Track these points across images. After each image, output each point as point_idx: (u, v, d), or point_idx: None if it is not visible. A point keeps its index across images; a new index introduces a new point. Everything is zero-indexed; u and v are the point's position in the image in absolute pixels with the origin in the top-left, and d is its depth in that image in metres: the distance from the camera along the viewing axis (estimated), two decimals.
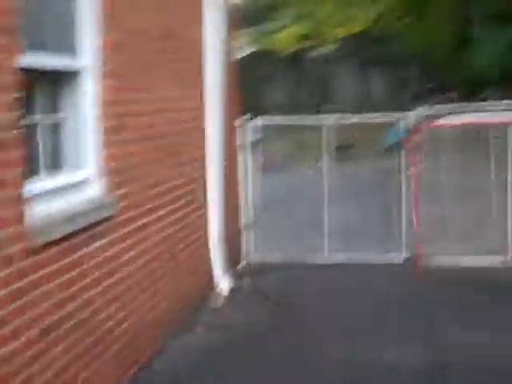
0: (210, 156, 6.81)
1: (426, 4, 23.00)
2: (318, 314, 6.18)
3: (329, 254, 7.96)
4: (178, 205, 6.02)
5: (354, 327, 5.78)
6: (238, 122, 7.88)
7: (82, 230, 4.07)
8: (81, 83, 4.41)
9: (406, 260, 7.66)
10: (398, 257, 7.75)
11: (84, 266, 4.10)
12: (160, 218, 5.59)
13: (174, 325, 5.75)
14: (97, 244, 4.30)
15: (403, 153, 7.72)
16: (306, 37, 24.05)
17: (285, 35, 23.83)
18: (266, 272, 7.61)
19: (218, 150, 6.88)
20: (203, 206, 6.74)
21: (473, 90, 17.78)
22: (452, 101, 17.62)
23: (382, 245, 7.88)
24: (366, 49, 29.64)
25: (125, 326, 4.72)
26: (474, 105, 7.99)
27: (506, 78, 15.37)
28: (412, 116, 7.72)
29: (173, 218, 5.90)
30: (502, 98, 7.91)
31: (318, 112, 8.44)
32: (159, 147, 5.63)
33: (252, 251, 8.13)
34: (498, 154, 7.77)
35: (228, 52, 7.52)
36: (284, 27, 26.99)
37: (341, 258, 7.83)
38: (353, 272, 7.45)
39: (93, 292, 4.22)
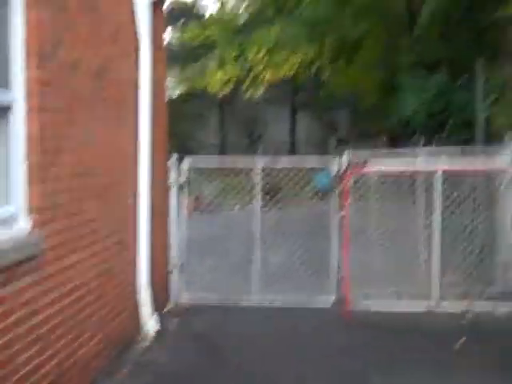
0: (140, 195, 6.76)
1: (354, 50, 23.57)
2: (242, 355, 6.13)
3: (258, 296, 7.95)
4: (106, 244, 5.92)
5: (275, 371, 5.78)
6: (167, 162, 7.85)
7: (5, 268, 3.92)
8: (9, 118, 4.31)
9: (335, 303, 7.70)
10: (327, 300, 7.78)
11: (5, 306, 3.95)
12: (88, 258, 5.48)
13: (101, 365, 5.63)
14: (20, 283, 4.15)
15: (333, 196, 7.82)
16: (236, 79, 24.28)
17: (216, 77, 24.00)
18: (194, 313, 7.55)
19: (147, 190, 6.84)
20: (133, 245, 6.65)
21: (400, 136, 18.24)
22: (380, 146, 18.07)
23: (311, 287, 7.93)
24: (295, 93, 30.21)
25: (48, 367, 4.55)
26: (400, 150, 8.19)
27: (431, 125, 15.85)
28: (340, 161, 7.86)
29: (101, 257, 5.78)
30: (428, 144, 8.12)
31: (248, 154, 8.42)
32: (89, 185, 5.54)
33: (181, 292, 8.05)
34: (425, 198, 7.96)
35: (160, 91, 7.53)
36: (216, 68, 27.23)
37: (270, 300, 7.83)
38: (281, 314, 7.44)
39: (15, 332, 4.05)
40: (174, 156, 7.96)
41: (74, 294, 5.16)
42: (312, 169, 8.50)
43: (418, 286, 7.83)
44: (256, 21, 26.73)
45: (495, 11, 10.53)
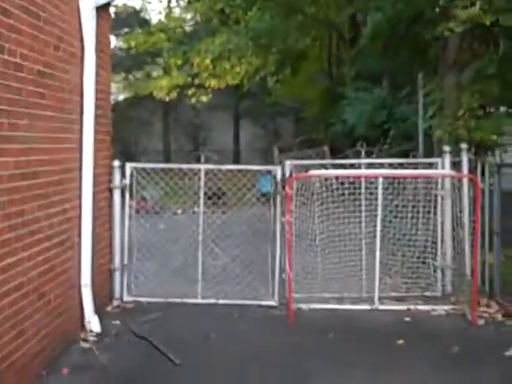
0: (83, 197, 6.74)
1: (299, 61, 23.84)
2: (184, 355, 6.11)
3: (200, 297, 7.96)
4: (48, 244, 5.89)
5: (215, 369, 5.87)
6: (110, 166, 7.84)
7: None
8: None
9: (279, 305, 7.77)
10: (271, 301, 7.85)
11: None
12: (29, 258, 5.45)
13: (42, 365, 5.62)
14: None
15: (277, 201, 7.91)
16: (182, 85, 24.28)
17: (161, 83, 23.97)
18: (136, 313, 7.52)
19: (90, 192, 6.82)
20: (75, 246, 6.61)
21: (342, 146, 18.54)
22: (323, 154, 18.32)
23: (255, 290, 7.98)
24: (239, 100, 30.34)
25: None
26: (342, 161, 8.35)
27: (373, 135, 16.17)
28: (283, 166, 7.96)
29: (43, 257, 5.76)
30: (369, 153, 8.29)
31: (191, 159, 8.46)
32: (31, 186, 5.52)
33: (124, 292, 8.02)
34: (367, 204, 8.12)
35: (104, 96, 7.52)
36: (161, 75, 27.19)
37: (212, 302, 7.86)
38: (223, 315, 7.46)
39: None
40: (117, 161, 7.93)
41: (13, 294, 5.13)
42: (256, 174, 8.59)
43: (359, 290, 7.98)
44: (201, 30, 26.83)
45: (437, 26, 10.81)
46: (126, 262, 8.08)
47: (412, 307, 7.64)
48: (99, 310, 7.07)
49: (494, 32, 10.74)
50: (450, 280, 8.09)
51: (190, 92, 24.30)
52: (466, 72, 9.75)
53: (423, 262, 8.22)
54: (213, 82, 22.90)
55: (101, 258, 7.48)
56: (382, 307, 7.71)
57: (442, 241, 8.11)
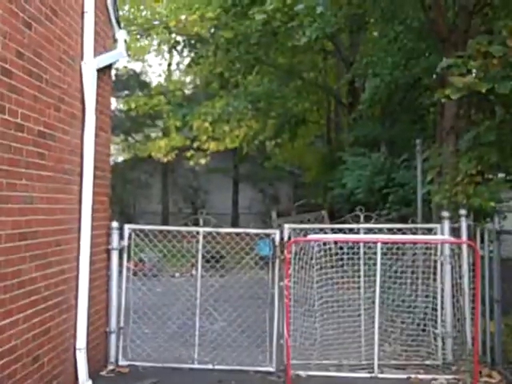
0: (81, 259, 6.69)
1: (297, 126, 24.06)
2: None
3: (197, 362, 7.82)
4: (44, 306, 5.82)
5: None
6: (108, 227, 7.81)
7: None
8: None
9: (277, 371, 7.63)
10: (268, 367, 7.71)
11: None
12: (24, 320, 5.37)
13: None
14: None
15: (275, 265, 7.85)
16: (180, 147, 24.43)
17: (160, 143, 24.12)
18: (131, 378, 7.36)
19: (88, 254, 6.77)
20: (71, 308, 6.52)
21: (341, 209, 18.54)
22: (321, 219, 18.30)
23: (252, 355, 7.85)
24: (238, 164, 30.49)
25: None
26: (341, 226, 8.31)
27: (372, 200, 16.18)
28: (282, 230, 7.94)
29: (38, 319, 5.68)
30: (368, 218, 8.26)
31: (190, 221, 8.42)
32: (30, 247, 5.49)
33: (119, 356, 7.87)
34: (366, 270, 8.05)
35: (104, 157, 7.55)
36: (160, 137, 27.35)
37: (210, 367, 7.72)
38: (221, 382, 7.31)
39: None
40: (115, 223, 7.91)
41: (6, 357, 5.03)
42: (254, 237, 8.55)
43: (358, 357, 7.84)
44: (201, 93, 27.17)
45: (434, 93, 10.96)
46: (122, 324, 7.96)
47: (413, 376, 7.48)
48: (94, 375, 6.95)
49: (490, 99, 10.88)
50: (450, 348, 7.95)
51: (188, 154, 24.41)
52: (464, 139, 9.81)
53: (423, 330, 8.10)
54: (212, 145, 23.04)
55: (97, 320, 7.38)
56: (381, 375, 7.56)
57: (442, 308, 8.01)
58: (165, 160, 24.75)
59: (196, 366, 7.81)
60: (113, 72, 8.94)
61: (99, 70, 7.07)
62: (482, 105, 11.19)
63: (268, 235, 8.21)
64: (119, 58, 8.16)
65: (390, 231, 8.17)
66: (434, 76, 14.38)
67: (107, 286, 7.81)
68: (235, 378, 7.42)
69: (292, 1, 12.23)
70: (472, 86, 7.56)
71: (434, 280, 8.07)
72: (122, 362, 7.87)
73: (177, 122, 23.85)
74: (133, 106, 25.06)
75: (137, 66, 31.10)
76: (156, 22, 22.25)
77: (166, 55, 29.63)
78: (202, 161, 24.28)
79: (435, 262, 8.06)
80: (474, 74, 7.90)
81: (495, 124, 9.63)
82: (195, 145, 23.92)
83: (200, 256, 8.06)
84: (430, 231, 8.24)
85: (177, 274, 11.31)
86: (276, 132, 24.67)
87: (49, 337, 5.94)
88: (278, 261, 7.85)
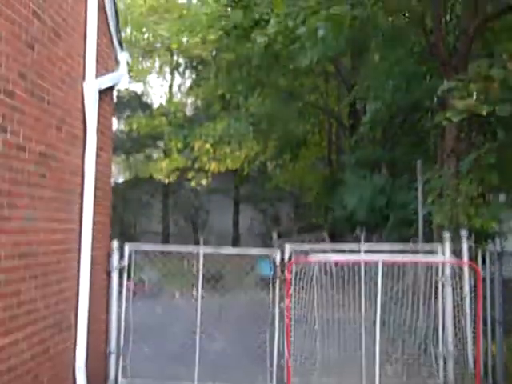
0: (81, 278, 6.68)
1: (298, 147, 24.11)
2: None
3: (198, 381, 7.78)
4: (43, 325, 5.80)
5: None
6: (109, 247, 7.80)
7: None
8: None
9: None
10: None
11: None
12: (23, 339, 5.35)
13: None
14: None
15: (277, 285, 7.84)
16: (182, 168, 24.49)
17: (161, 165, 24.18)
18: None
19: (88, 273, 6.76)
20: (71, 327, 6.50)
21: (342, 231, 18.54)
22: (322, 239, 18.29)
23: (253, 374, 7.81)
24: (240, 185, 30.53)
25: None
26: (341, 246, 8.30)
27: (372, 221, 16.18)
28: (283, 251, 7.93)
29: (38, 338, 5.66)
30: (369, 240, 8.25)
31: (190, 241, 8.42)
32: (29, 266, 5.48)
33: (120, 375, 7.83)
34: (367, 290, 8.03)
35: (105, 177, 7.57)
36: (162, 158, 27.42)
37: None
38: None
39: None
40: (116, 242, 7.90)
41: (5, 376, 5.02)
42: (255, 257, 8.54)
43: (359, 377, 7.80)
44: (202, 114, 27.27)
45: (435, 115, 11.01)
46: (122, 344, 7.92)
47: None
48: None
49: (491, 122, 10.93)
50: (452, 368, 7.88)
51: (190, 175, 24.46)
52: (465, 161, 9.83)
53: (424, 350, 8.05)
54: (213, 166, 23.10)
55: (96, 339, 7.33)
56: None
57: (444, 328, 7.97)
58: (166, 181, 24.81)
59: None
60: (114, 93, 8.99)
61: (101, 91, 7.10)
62: (483, 127, 11.25)
63: (269, 256, 8.20)
64: (121, 80, 8.19)
65: (391, 252, 8.15)
66: (435, 99, 14.45)
67: (107, 305, 7.79)
68: None
69: (294, 24, 12.30)
70: (473, 109, 7.58)
71: (436, 300, 8.04)
72: (121, 381, 7.82)
73: (178, 143, 23.94)
74: (134, 126, 25.18)
75: (138, 88, 31.19)
76: (158, 45, 22.41)
77: (168, 77, 29.79)
78: (204, 181, 24.34)
79: (436, 282, 8.03)
80: (474, 97, 7.93)
81: (496, 146, 9.67)
82: (196, 165, 23.99)
83: (200, 276, 8.04)
84: (431, 252, 8.22)
85: (177, 295, 11.28)
86: (277, 153, 24.72)
87: (48, 356, 5.91)
88: (278, 281, 7.84)
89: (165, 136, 25.76)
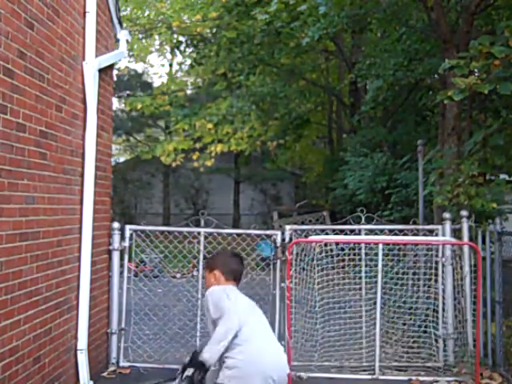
0: (82, 259, 6.68)
1: (301, 126, 24.02)
2: None
3: None
4: (45, 307, 5.81)
5: None
6: (109, 228, 7.79)
7: None
8: None
9: None
10: None
11: None
12: (25, 320, 5.36)
13: None
14: None
15: (277, 266, 7.84)
16: (186, 150, 24.43)
17: (168, 147, 24.10)
18: (134, 379, 7.35)
19: (89, 254, 6.75)
20: (73, 308, 6.51)
21: (343, 210, 18.53)
22: (323, 219, 18.29)
23: None
24: (240, 164, 30.48)
25: None
26: (342, 227, 8.28)
27: (374, 201, 16.17)
28: (283, 231, 7.92)
29: (39, 320, 5.67)
30: (370, 220, 8.23)
31: (192, 222, 8.39)
32: (31, 247, 5.48)
33: (121, 357, 7.86)
34: (369, 271, 8.03)
35: (105, 157, 7.55)
36: (165, 139, 27.36)
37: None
38: None
39: None
40: (116, 223, 7.89)
41: (7, 358, 5.03)
42: (256, 238, 8.52)
43: (359, 358, 7.83)
44: (203, 94, 27.16)
45: (436, 94, 10.93)
46: (123, 325, 7.94)
47: (414, 378, 7.44)
48: (95, 376, 6.94)
49: (493, 100, 10.86)
50: (452, 350, 7.91)
51: (194, 156, 24.43)
52: (469, 141, 9.76)
53: (424, 331, 8.07)
54: (218, 147, 23.07)
55: (98, 321, 7.37)
56: (382, 377, 7.53)
57: (444, 309, 7.98)
58: (173, 164, 24.77)
59: None
60: (114, 72, 8.94)
61: (101, 70, 7.07)
62: (485, 106, 11.18)
63: (269, 236, 8.20)
64: (121, 58, 8.15)
65: (392, 232, 8.15)
66: (437, 77, 14.37)
67: (108, 286, 7.81)
68: None
69: (295, 1, 12.20)
70: (474, 87, 7.52)
71: (436, 281, 8.05)
72: (123, 363, 7.85)
73: (185, 125, 23.83)
74: (139, 106, 25.10)
75: (138, 67, 31.13)
76: (159, 24, 22.25)
77: (168, 55, 29.64)
78: (208, 163, 24.31)
79: (436, 263, 8.03)
80: (476, 75, 7.86)
81: (499, 125, 9.61)
82: (198, 145, 23.94)
83: (201, 257, 8.03)
84: (431, 232, 8.21)
85: (178, 275, 11.30)
86: (280, 133, 24.64)
87: (50, 338, 5.93)
88: (279, 262, 7.84)
89: (169, 116, 25.66)
